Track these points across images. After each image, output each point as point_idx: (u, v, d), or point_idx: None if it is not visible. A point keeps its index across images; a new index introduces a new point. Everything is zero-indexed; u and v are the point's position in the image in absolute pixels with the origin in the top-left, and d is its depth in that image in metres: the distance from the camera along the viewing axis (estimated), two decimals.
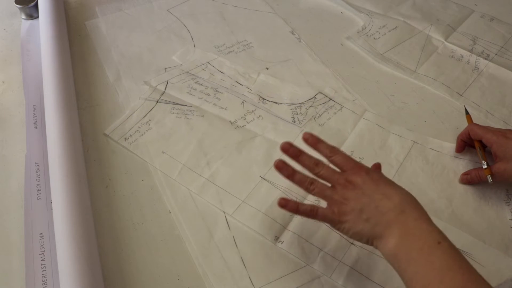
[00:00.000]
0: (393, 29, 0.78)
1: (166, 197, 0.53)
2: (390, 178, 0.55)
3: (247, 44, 0.75)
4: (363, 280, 0.46)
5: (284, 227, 0.50)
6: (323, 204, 0.43)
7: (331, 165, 0.44)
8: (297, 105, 0.64)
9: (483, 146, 0.55)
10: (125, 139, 0.58)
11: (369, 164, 0.56)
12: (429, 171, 0.56)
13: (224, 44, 0.74)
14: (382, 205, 0.39)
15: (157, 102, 0.63)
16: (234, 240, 0.49)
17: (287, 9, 0.83)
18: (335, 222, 0.41)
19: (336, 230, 0.42)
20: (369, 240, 0.39)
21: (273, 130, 0.60)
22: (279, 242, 0.49)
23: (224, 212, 0.51)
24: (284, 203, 0.43)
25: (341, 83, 0.68)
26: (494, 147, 0.52)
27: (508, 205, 0.53)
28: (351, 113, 0.63)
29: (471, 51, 0.74)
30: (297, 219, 0.51)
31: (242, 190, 0.53)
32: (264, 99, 0.65)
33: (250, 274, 0.46)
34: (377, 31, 0.78)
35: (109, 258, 0.47)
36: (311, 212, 0.42)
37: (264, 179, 0.55)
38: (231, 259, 0.47)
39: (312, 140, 0.45)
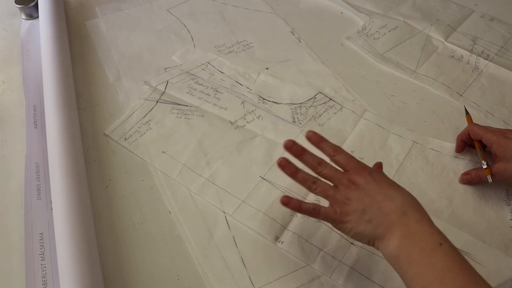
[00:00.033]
0: (393, 29, 0.78)
1: (166, 197, 0.53)
2: (390, 178, 0.55)
3: (247, 44, 0.75)
4: (363, 280, 0.46)
5: (284, 227, 0.50)
6: (322, 203, 0.43)
7: (334, 165, 0.44)
8: (297, 105, 0.64)
9: (483, 146, 0.55)
10: (125, 139, 0.58)
11: (369, 164, 0.56)
12: (429, 171, 0.56)
13: (224, 44, 0.74)
14: (385, 206, 0.39)
15: (157, 102, 0.63)
16: (234, 240, 0.49)
17: (287, 9, 0.83)
18: (337, 222, 0.41)
19: (337, 230, 0.42)
20: (371, 241, 0.39)
21: (273, 130, 0.60)
22: (279, 242, 0.49)
23: (224, 212, 0.51)
24: (287, 201, 0.43)
25: (341, 83, 0.68)
26: (494, 147, 0.52)
27: (508, 205, 0.53)
28: (351, 113, 0.63)
29: (471, 51, 0.74)
30: (297, 219, 0.51)
31: (242, 190, 0.53)
32: (264, 99, 0.65)
33: (250, 274, 0.46)
34: (377, 31, 0.78)
35: (109, 258, 0.47)
36: (313, 211, 0.42)
37: (264, 179, 0.55)
38: (231, 259, 0.47)
39: (316, 138, 0.45)
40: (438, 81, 0.69)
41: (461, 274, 0.34)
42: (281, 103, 0.64)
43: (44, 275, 0.45)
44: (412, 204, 0.39)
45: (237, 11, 0.82)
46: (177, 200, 0.52)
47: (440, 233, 0.37)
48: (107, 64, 0.69)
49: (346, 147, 0.59)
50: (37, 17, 0.75)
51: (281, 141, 0.58)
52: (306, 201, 0.52)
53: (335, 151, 0.44)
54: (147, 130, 0.60)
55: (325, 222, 0.48)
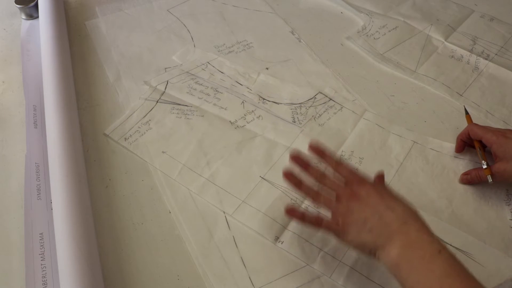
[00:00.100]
0: (393, 29, 0.78)
1: (166, 197, 0.53)
2: (390, 178, 0.56)
3: (247, 44, 0.75)
4: (363, 280, 0.46)
5: (284, 227, 0.50)
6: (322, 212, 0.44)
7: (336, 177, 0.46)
8: (297, 105, 0.64)
9: (483, 146, 0.55)
10: (125, 139, 0.58)
11: (369, 164, 0.57)
12: (429, 171, 0.56)
13: (224, 44, 0.74)
14: (386, 216, 0.39)
15: (157, 102, 0.63)
16: (234, 240, 0.49)
17: (287, 9, 0.83)
18: (338, 233, 0.42)
19: (340, 241, 0.43)
20: (372, 250, 0.40)
21: (273, 130, 0.60)
22: (279, 242, 0.49)
23: (224, 212, 0.51)
24: (291, 212, 0.45)
25: (341, 83, 0.68)
26: (494, 147, 0.52)
27: (508, 205, 0.53)
28: (351, 113, 0.63)
29: (471, 51, 0.74)
30: None
31: (242, 190, 0.53)
32: (264, 99, 0.65)
33: (250, 274, 0.46)
34: (377, 31, 0.78)
35: (109, 258, 0.47)
36: (316, 222, 0.44)
37: (264, 179, 0.55)
38: (231, 259, 0.47)
39: (319, 150, 0.47)
40: (438, 81, 0.69)
41: (459, 281, 0.35)
42: (281, 103, 0.64)
43: (44, 275, 0.45)
44: (412, 214, 0.40)
45: (237, 11, 0.82)
46: (177, 200, 0.52)
47: (439, 241, 0.38)
48: (107, 64, 0.69)
49: (346, 147, 0.59)
50: (37, 17, 0.75)
51: (281, 141, 0.59)
52: (305, 202, 0.52)
53: (338, 163, 0.46)
54: (147, 130, 0.60)
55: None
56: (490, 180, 0.52)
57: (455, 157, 0.58)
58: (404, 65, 0.71)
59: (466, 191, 0.54)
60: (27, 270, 0.45)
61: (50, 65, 0.62)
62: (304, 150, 0.57)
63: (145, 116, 0.61)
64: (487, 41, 0.76)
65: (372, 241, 0.39)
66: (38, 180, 0.53)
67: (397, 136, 0.60)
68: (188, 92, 0.65)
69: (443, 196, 0.54)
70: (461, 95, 0.67)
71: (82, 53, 0.72)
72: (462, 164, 0.57)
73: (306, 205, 0.52)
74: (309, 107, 0.64)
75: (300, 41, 0.76)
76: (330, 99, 0.65)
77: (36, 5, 0.75)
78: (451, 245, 0.49)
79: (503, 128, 0.54)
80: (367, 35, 0.77)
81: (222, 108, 0.63)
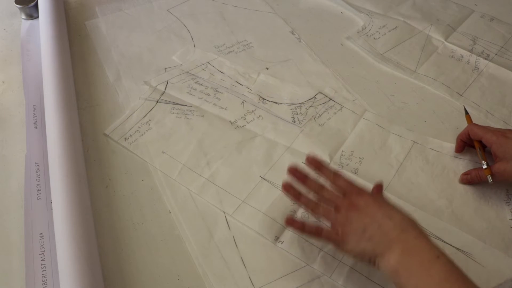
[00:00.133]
0: (393, 29, 0.78)
1: (166, 197, 0.53)
2: (390, 178, 0.56)
3: (247, 44, 0.75)
4: (363, 280, 0.46)
5: (284, 227, 0.50)
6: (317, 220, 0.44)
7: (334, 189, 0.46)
8: (297, 105, 0.64)
9: (483, 146, 0.55)
10: (125, 139, 0.58)
11: (369, 164, 0.57)
12: (429, 171, 0.56)
13: (224, 44, 0.74)
14: (384, 225, 0.40)
15: (157, 102, 0.63)
16: (234, 240, 0.49)
17: (287, 9, 0.83)
18: (338, 243, 0.42)
19: (340, 251, 0.43)
20: (371, 259, 0.40)
21: (273, 130, 0.60)
22: (279, 242, 0.49)
23: (224, 212, 0.51)
24: (291, 222, 0.45)
25: (341, 83, 0.68)
26: (494, 147, 0.52)
27: (508, 205, 0.53)
28: (351, 113, 0.63)
29: (471, 51, 0.74)
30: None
31: (242, 190, 0.53)
32: (264, 99, 0.65)
33: (250, 274, 0.46)
34: (377, 31, 0.78)
35: (109, 258, 0.47)
36: (316, 232, 0.44)
37: (264, 179, 0.55)
38: (231, 259, 0.47)
39: (316, 163, 0.47)
40: (438, 81, 0.69)
41: (458, 285, 0.35)
42: (281, 103, 0.64)
43: (44, 275, 0.45)
44: (410, 223, 0.40)
45: (237, 11, 0.82)
46: (177, 200, 0.52)
47: (437, 247, 0.38)
48: (107, 64, 0.69)
49: (346, 147, 0.59)
50: (37, 17, 0.75)
51: (281, 141, 0.59)
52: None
53: (335, 175, 0.46)
54: (147, 130, 0.60)
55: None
56: (490, 180, 0.52)
57: (455, 157, 0.58)
58: (404, 65, 0.71)
59: (466, 191, 0.54)
60: (27, 270, 0.45)
61: (50, 65, 0.62)
62: (304, 150, 0.57)
63: (145, 116, 0.61)
64: (487, 41, 0.76)
65: (371, 249, 0.40)
66: (38, 180, 0.53)
67: (397, 136, 0.60)
68: (188, 92, 0.65)
69: (443, 196, 0.54)
70: (461, 95, 0.67)
71: (82, 53, 0.72)
72: (462, 164, 0.57)
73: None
74: (309, 107, 0.64)
75: (300, 41, 0.76)
76: (330, 99, 0.65)
77: (36, 5, 0.75)
78: (451, 245, 0.49)
79: (503, 128, 0.54)
80: (367, 35, 0.77)
81: (222, 108, 0.63)
